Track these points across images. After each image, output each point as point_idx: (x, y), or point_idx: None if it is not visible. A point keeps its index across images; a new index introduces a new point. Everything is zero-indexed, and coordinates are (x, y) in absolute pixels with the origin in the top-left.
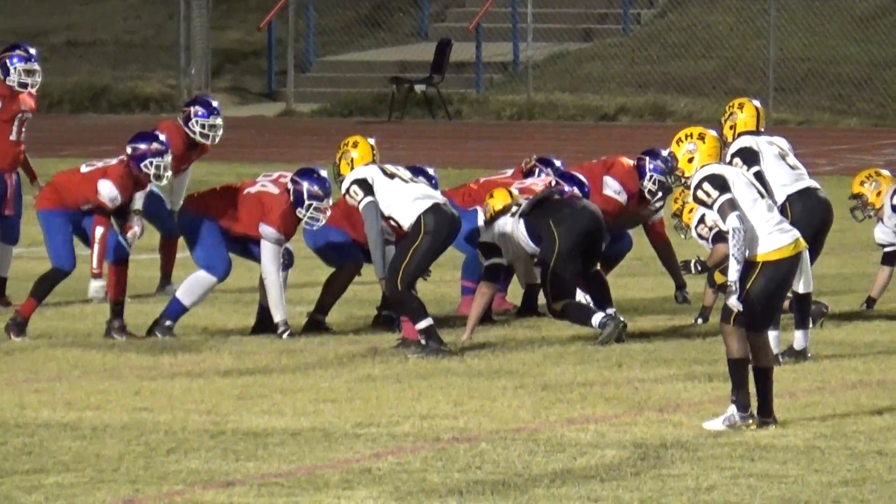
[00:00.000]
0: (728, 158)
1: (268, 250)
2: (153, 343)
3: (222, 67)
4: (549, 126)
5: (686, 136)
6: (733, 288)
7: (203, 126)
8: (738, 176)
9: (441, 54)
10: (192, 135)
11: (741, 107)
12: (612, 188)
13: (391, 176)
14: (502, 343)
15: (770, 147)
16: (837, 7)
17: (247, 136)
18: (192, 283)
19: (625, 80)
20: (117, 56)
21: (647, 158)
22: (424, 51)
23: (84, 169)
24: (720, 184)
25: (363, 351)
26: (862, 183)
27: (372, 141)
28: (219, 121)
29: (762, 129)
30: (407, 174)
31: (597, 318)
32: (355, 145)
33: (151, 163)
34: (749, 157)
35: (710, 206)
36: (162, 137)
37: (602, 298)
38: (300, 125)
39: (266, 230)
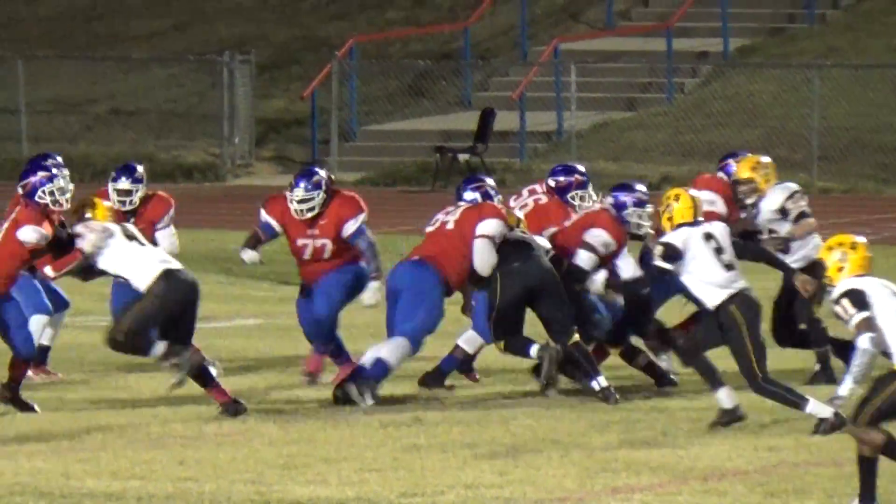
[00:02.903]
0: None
1: None
2: (198, 413)
3: (266, 136)
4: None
5: (838, 245)
6: (839, 403)
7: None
8: (880, 288)
9: (484, 123)
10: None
11: (677, 198)
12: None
13: (130, 238)
14: (547, 412)
15: (706, 242)
16: (881, 76)
17: None
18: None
19: (668, 149)
20: (160, 125)
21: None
22: (468, 120)
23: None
24: (859, 300)
25: (407, 420)
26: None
27: (108, 203)
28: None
29: (700, 219)
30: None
31: (534, 349)
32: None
33: (44, 191)
34: (671, 253)
35: (846, 322)
36: (49, 162)
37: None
38: None
39: None
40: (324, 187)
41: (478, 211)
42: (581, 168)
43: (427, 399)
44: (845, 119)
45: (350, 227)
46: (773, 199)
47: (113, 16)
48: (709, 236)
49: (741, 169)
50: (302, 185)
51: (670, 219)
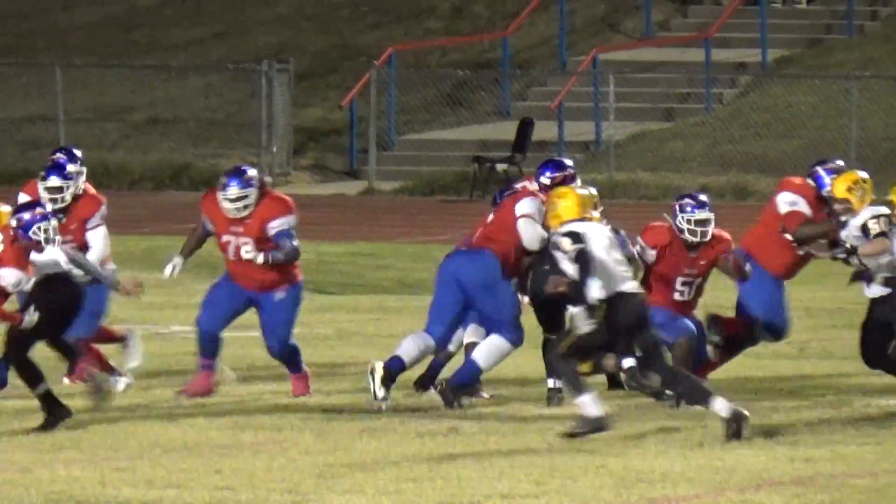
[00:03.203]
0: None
1: None
2: (234, 421)
3: (304, 145)
4: (631, 205)
5: None
6: None
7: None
8: None
9: (523, 133)
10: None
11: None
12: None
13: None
14: None
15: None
16: None
17: (328, 214)
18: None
19: (706, 160)
20: (198, 133)
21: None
22: (506, 129)
23: None
24: None
25: (444, 429)
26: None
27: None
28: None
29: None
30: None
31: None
32: None
33: (39, 227)
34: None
35: None
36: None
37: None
38: (382, 204)
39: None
40: (256, 185)
41: (512, 198)
42: (569, 162)
43: (463, 408)
44: (883, 130)
45: (274, 227)
46: (861, 216)
47: (151, 24)
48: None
49: (837, 188)
50: (234, 183)
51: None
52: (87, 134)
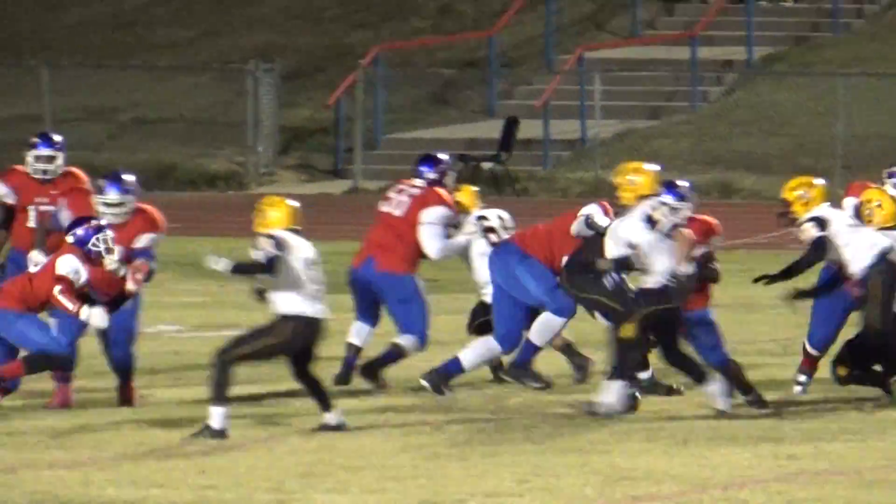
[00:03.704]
0: None
1: None
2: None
3: (290, 145)
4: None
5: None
6: None
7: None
8: None
9: (508, 132)
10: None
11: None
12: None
13: None
14: (568, 420)
15: None
16: None
17: (314, 213)
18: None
19: (692, 158)
20: (185, 133)
21: None
22: (492, 128)
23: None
24: None
25: (428, 428)
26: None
27: None
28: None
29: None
30: None
31: None
32: None
33: (98, 238)
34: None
35: None
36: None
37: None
38: (367, 202)
39: None
40: (134, 193)
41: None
42: (445, 156)
43: (447, 407)
44: (870, 128)
45: (141, 242)
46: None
47: (138, 24)
48: None
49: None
50: (114, 189)
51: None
52: (74, 134)
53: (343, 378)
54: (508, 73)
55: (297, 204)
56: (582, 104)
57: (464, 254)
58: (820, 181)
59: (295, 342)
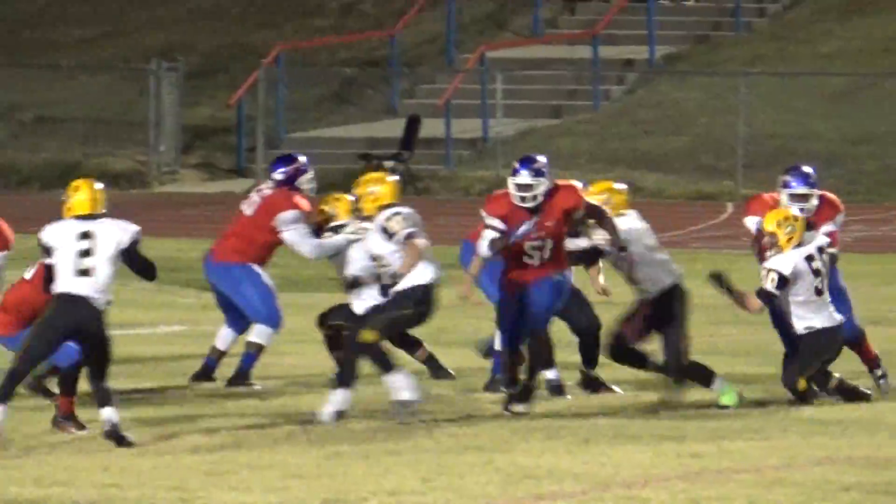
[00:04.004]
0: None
1: None
2: (121, 420)
3: (192, 144)
4: None
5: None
6: None
7: None
8: None
9: (410, 131)
10: None
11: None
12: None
13: None
14: (470, 418)
15: None
16: (807, 84)
17: (216, 212)
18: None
19: (594, 157)
20: (87, 133)
21: None
22: (394, 127)
23: (28, 275)
24: None
25: (331, 427)
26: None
27: None
28: None
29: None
30: None
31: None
32: None
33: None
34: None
35: None
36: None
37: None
38: None
39: None
40: None
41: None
42: (303, 158)
43: (351, 406)
44: (771, 127)
45: None
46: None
47: (40, 23)
48: None
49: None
50: None
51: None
52: None
53: (200, 376)
54: (410, 72)
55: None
56: (484, 103)
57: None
58: (622, 186)
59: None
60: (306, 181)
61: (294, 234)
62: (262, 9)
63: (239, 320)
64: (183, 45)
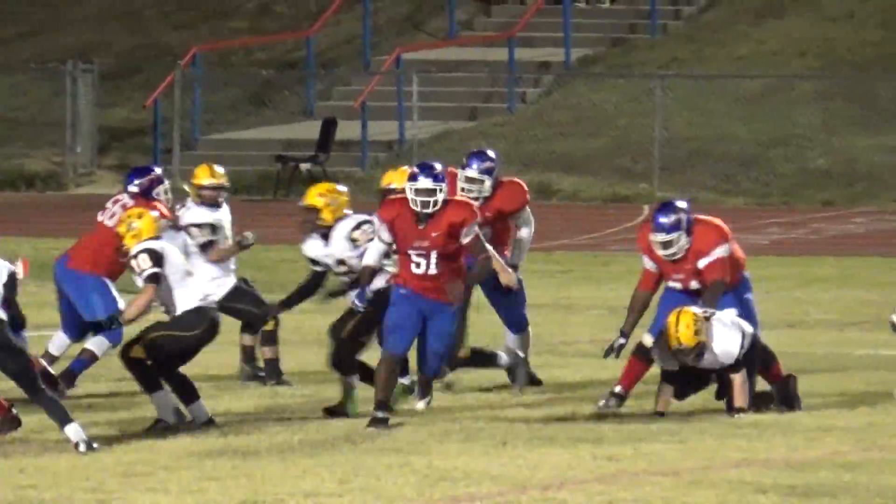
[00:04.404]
0: None
1: None
2: (39, 420)
3: (109, 145)
4: None
5: None
6: None
7: None
8: None
9: (326, 133)
10: None
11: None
12: None
13: None
14: (389, 421)
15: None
16: (722, 87)
17: None
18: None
19: (510, 159)
20: (2, 133)
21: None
22: (310, 129)
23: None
24: None
25: (247, 428)
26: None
27: None
28: None
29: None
30: None
31: None
32: None
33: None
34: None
35: None
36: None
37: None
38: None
39: None
40: None
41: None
42: (157, 169)
43: (267, 408)
44: (687, 129)
45: None
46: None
47: None
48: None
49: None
50: None
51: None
52: None
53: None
54: (326, 73)
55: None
56: (400, 105)
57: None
58: (344, 188)
59: None
60: (163, 192)
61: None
62: (177, 9)
63: (74, 328)
64: (98, 46)
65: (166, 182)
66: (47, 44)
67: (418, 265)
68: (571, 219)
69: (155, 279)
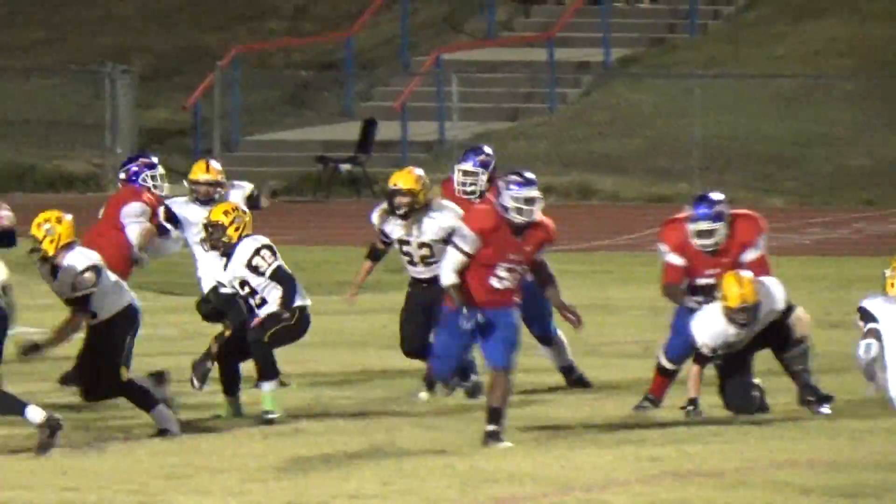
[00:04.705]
0: None
1: None
2: (81, 422)
3: (148, 146)
4: None
5: None
6: None
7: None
8: None
9: (366, 133)
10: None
11: (59, 220)
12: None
13: None
14: (430, 422)
15: None
16: (762, 86)
17: None
18: None
19: (550, 160)
20: (42, 135)
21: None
22: (350, 130)
23: None
24: None
25: (289, 430)
26: None
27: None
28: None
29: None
30: None
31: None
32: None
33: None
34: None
35: None
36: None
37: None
38: None
39: None
40: None
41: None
42: (153, 157)
43: (309, 409)
44: (726, 129)
45: None
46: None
47: None
48: None
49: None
50: None
51: (54, 241)
52: None
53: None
54: (366, 74)
55: None
56: (440, 106)
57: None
58: (69, 217)
59: None
60: (150, 178)
61: (133, 229)
62: (215, 11)
63: None
64: (137, 48)
65: (159, 168)
66: (84, 45)
67: (501, 279)
68: (611, 219)
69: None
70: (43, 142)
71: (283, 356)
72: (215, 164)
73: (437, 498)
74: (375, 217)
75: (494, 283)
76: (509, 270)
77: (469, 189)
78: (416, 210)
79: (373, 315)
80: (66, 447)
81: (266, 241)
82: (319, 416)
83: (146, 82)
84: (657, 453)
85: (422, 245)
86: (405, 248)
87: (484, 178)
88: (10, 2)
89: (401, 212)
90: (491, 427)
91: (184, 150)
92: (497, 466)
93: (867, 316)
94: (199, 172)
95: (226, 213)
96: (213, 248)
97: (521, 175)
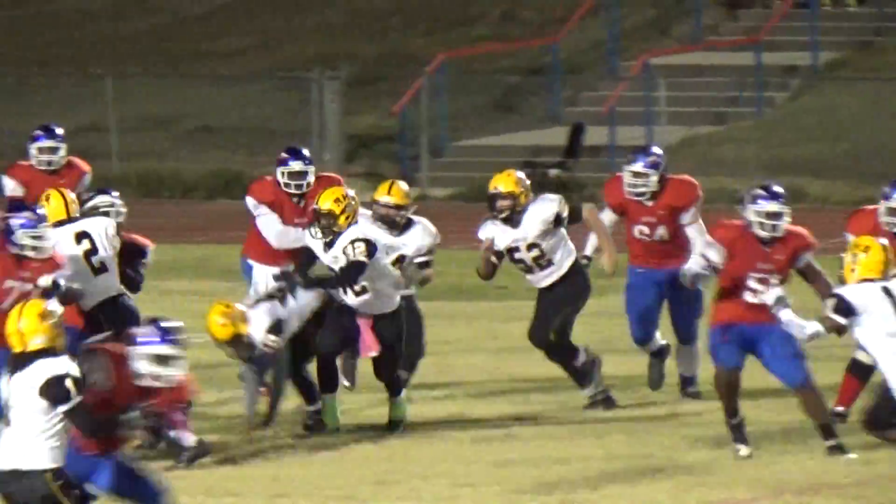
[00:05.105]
0: None
1: None
2: (290, 429)
3: (356, 152)
4: None
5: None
6: None
7: None
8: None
9: (574, 138)
10: None
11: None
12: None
13: None
14: (639, 427)
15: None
16: None
17: None
18: None
19: (759, 163)
20: (250, 141)
21: None
22: (557, 135)
23: None
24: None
25: (499, 435)
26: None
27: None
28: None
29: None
30: None
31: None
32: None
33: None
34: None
35: None
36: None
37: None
38: (434, 210)
39: None
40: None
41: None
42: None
43: (519, 414)
44: None
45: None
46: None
47: (199, 33)
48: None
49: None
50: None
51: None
52: (139, 143)
53: None
54: (573, 79)
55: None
56: (647, 110)
57: None
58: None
59: None
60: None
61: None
62: (422, 17)
63: None
64: (343, 54)
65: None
66: (290, 52)
67: (755, 292)
68: (820, 223)
69: None
70: (250, 148)
71: (489, 362)
72: (402, 186)
73: (647, 500)
74: (483, 231)
75: (749, 297)
76: (761, 281)
77: (639, 190)
78: (516, 212)
79: (593, 319)
80: (276, 454)
81: (366, 233)
82: (529, 421)
83: (353, 88)
84: (870, 457)
85: (531, 246)
86: (516, 255)
87: (654, 178)
88: (221, 10)
89: (503, 215)
90: (830, 442)
91: (391, 155)
92: (707, 471)
93: (846, 310)
94: (382, 193)
95: (337, 200)
96: (324, 235)
97: (767, 189)
